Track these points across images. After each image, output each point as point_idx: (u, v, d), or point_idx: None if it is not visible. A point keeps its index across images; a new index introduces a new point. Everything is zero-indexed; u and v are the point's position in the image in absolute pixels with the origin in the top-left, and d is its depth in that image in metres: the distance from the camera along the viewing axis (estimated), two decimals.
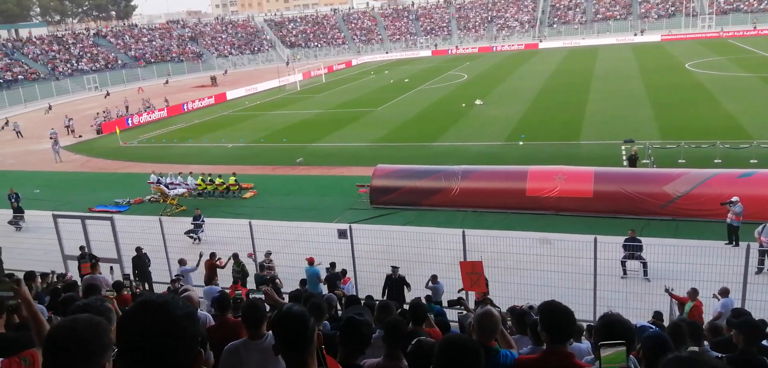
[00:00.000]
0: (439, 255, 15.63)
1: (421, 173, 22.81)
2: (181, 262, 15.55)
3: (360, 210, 22.27)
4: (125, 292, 10.84)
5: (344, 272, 14.80)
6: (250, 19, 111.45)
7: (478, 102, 42.83)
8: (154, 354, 1.90)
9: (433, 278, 13.95)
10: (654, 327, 7.78)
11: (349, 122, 40.45)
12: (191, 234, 20.11)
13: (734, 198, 16.50)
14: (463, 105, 42.64)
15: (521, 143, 30.24)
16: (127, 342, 1.93)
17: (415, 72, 68.45)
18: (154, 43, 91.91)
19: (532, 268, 14.49)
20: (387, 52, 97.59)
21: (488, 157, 27.55)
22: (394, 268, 14.26)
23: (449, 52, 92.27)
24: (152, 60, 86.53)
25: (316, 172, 28.47)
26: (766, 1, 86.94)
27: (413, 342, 4.01)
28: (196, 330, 2.01)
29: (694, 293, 11.65)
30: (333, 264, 14.90)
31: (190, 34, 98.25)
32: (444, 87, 54.35)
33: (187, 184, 25.85)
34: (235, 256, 15.67)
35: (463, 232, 14.02)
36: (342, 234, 15.03)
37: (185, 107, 53.04)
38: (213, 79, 73.65)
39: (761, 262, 14.72)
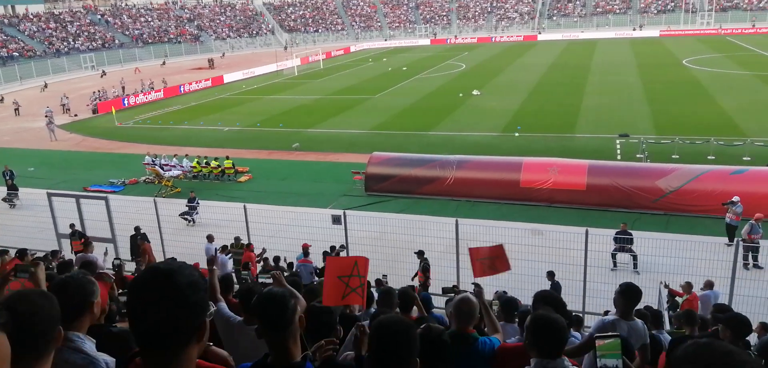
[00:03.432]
0: (431, 243, 15.70)
1: (416, 161, 22.87)
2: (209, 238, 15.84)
3: (355, 196, 22.34)
4: (126, 273, 10.94)
5: (306, 252, 14.86)
6: (249, 2, 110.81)
7: (475, 92, 42.85)
8: (158, 320, 1.96)
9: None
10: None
11: (346, 109, 40.44)
12: (185, 217, 20.15)
13: (735, 199, 16.54)
14: (461, 95, 42.65)
15: (517, 134, 30.32)
16: (133, 308, 2.00)
17: (414, 60, 68.32)
18: (151, 23, 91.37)
19: (523, 258, 14.51)
20: (386, 40, 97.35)
21: (484, 148, 27.63)
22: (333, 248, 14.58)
23: (448, 41, 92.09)
24: (150, 41, 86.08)
25: (311, 158, 28.49)
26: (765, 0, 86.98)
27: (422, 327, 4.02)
28: (198, 299, 2.05)
29: (688, 287, 11.87)
30: (332, 248, 15.00)
31: (188, 16, 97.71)
32: (442, 76, 54.31)
33: (182, 166, 25.86)
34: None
35: (456, 221, 14.11)
36: (336, 220, 15.09)
37: (182, 89, 52.88)
38: (210, 61, 73.37)
39: (746, 258, 14.91)
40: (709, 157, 23.69)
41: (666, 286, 12.44)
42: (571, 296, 12.52)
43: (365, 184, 22.68)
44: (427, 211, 20.09)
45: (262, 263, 14.58)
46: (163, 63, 76.94)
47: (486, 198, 20.83)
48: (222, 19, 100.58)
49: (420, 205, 20.97)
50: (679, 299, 12.01)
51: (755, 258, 15.18)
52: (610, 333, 3.66)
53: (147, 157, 26.53)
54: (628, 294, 5.11)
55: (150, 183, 25.25)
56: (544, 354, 3.61)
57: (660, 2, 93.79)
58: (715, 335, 6.32)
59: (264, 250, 15.12)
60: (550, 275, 13.07)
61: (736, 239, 14.26)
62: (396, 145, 28.33)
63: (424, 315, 6.45)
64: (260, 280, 8.96)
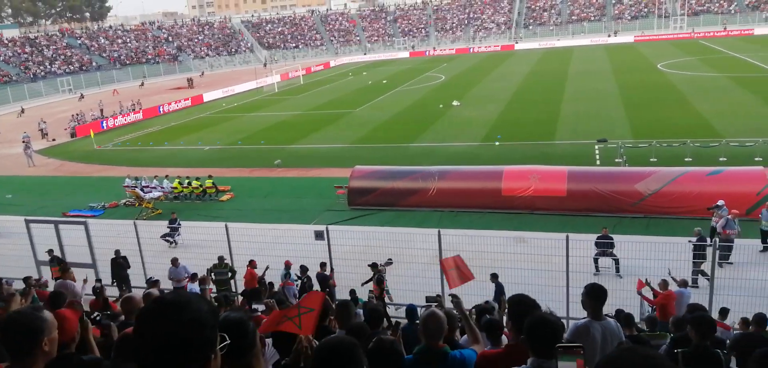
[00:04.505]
0: (415, 255, 15.75)
1: (398, 174, 22.92)
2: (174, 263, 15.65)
3: (338, 211, 22.31)
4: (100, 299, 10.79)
5: (287, 275, 14.86)
6: (227, 20, 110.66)
7: (455, 103, 43.14)
8: (165, 352, 1.91)
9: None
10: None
11: (327, 123, 40.44)
12: (167, 238, 19.96)
13: (720, 202, 16.55)
14: (441, 106, 42.90)
15: (497, 143, 30.55)
16: (140, 337, 1.95)
17: (394, 73, 68.62)
18: (129, 44, 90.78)
19: (507, 267, 14.62)
20: (365, 54, 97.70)
21: (465, 158, 27.78)
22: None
23: (427, 53, 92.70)
24: (127, 62, 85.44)
25: (294, 174, 28.42)
26: (735, 3, 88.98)
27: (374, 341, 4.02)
28: (209, 336, 2.00)
29: (664, 285, 12.10)
30: (323, 264, 14.98)
31: (166, 36, 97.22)
32: (422, 88, 54.60)
33: (162, 187, 25.60)
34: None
35: (439, 232, 14.16)
36: (319, 235, 15.07)
37: (161, 109, 52.49)
38: (189, 80, 73.00)
39: (721, 257, 15.10)
40: (686, 159, 24.06)
41: (648, 284, 12.59)
42: (554, 302, 12.58)
43: (348, 199, 22.67)
44: (410, 223, 20.13)
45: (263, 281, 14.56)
46: (142, 84, 76.38)
47: (468, 208, 20.92)
48: (200, 38, 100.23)
49: (403, 217, 21.01)
50: (652, 295, 12.24)
51: (727, 257, 15.37)
52: (572, 345, 3.70)
53: (127, 179, 26.27)
54: (593, 294, 5.16)
55: (130, 205, 24.97)
56: (540, 354, 3.66)
57: (634, 8, 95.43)
58: (687, 336, 6.42)
59: (267, 268, 15.06)
60: (494, 277, 13.32)
61: (715, 238, 14.51)
62: (378, 158, 28.38)
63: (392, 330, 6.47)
64: (253, 307, 8.92)
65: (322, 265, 15.00)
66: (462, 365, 4.29)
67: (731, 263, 15.30)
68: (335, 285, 14.95)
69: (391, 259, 15.13)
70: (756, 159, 23.26)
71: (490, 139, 31.74)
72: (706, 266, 14.15)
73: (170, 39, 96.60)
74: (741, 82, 42.24)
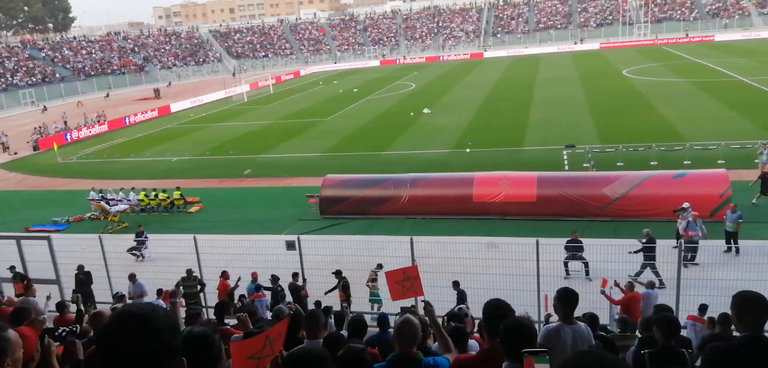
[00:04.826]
0: (388, 262, 15.61)
1: (370, 182, 22.87)
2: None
3: (309, 220, 22.14)
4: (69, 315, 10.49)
5: (259, 287, 14.72)
6: (194, 30, 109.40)
7: (426, 111, 43.32)
8: (133, 365, 1.88)
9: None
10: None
11: (298, 133, 40.20)
12: (134, 252, 19.52)
13: (686, 205, 16.79)
14: (412, 114, 43.04)
15: (468, 150, 30.74)
16: (106, 352, 1.90)
17: (364, 82, 68.67)
18: (93, 55, 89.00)
19: (479, 272, 14.66)
20: (335, 62, 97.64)
21: (436, 165, 27.85)
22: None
23: (397, 61, 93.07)
24: (92, 73, 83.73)
25: (264, 184, 28.14)
26: (696, 10, 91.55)
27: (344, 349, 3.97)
28: (176, 343, 2.00)
29: (630, 286, 12.31)
30: (295, 275, 14.81)
31: (131, 46, 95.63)
32: (392, 96, 54.74)
33: (129, 200, 25.08)
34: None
35: (411, 239, 14.11)
36: (290, 245, 14.89)
37: (127, 121, 51.52)
38: (156, 91, 71.88)
39: (685, 257, 15.38)
40: (651, 163, 24.51)
41: (617, 284, 12.77)
42: (526, 307, 12.65)
43: (320, 208, 22.52)
44: (383, 231, 20.04)
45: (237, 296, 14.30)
46: (107, 95, 74.94)
47: (440, 215, 20.96)
48: (167, 48, 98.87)
49: (376, 225, 20.93)
50: (614, 294, 12.44)
51: (693, 258, 15.69)
52: (538, 349, 3.69)
53: (92, 192, 25.64)
54: (565, 299, 5.20)
55: (95, 219, 24.39)
56: (515, 359, 3.65)
57: (599, 16, 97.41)
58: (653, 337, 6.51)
59: (239, 279, 14.80)
60: (456, 285, 13.43)
61: (680, 240, 14.78)
62: (350, 167, 28.28)
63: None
64: (225, 321, 8.73)
65: (295, 276, 14.82)
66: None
67: (697, 264, 15.64)
68: (307, 295, 14.78)
69: (381, 264, 15.04)
70: (719, 161, 23.85)
71: (461, 146, 31.93)
72: (660, 267, 14.48)
73: (136, 49, 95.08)
74: (703, 86, 43.38)
